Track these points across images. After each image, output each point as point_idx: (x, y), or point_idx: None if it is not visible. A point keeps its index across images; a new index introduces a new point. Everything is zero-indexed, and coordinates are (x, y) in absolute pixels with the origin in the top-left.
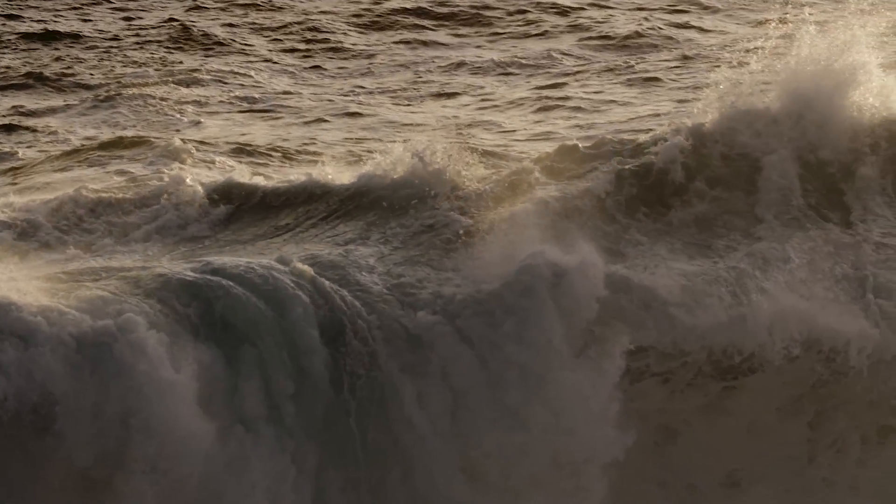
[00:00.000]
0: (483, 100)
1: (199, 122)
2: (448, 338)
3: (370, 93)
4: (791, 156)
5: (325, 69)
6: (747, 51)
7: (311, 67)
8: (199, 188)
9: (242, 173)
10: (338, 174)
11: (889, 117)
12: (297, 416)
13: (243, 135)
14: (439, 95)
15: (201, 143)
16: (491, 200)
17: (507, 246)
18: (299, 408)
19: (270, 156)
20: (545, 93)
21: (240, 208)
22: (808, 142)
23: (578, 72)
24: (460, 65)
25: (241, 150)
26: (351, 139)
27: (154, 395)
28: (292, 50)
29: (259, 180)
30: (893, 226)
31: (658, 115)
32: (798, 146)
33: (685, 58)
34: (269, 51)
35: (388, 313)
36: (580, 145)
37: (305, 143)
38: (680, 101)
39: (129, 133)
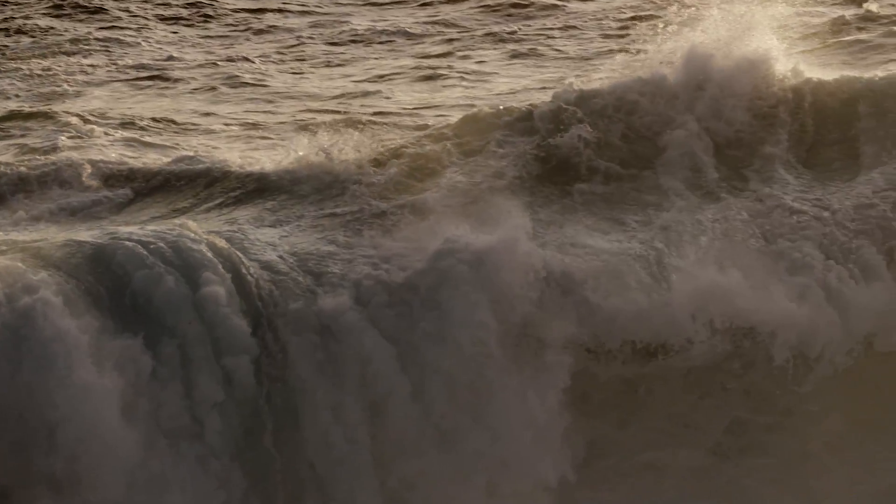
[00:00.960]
0: (370, 70)
1: (86, 94)
2: (364, 335)
3: (255, 61)
4: (695, 127)
5: (210, 36)
6: (642, 20)
7: (195, 34)
8: (95, 168)
9: (140, 152)
10: (241, 159)
11: (790, 88)
12: (220, 430)
13: (132, 108)
14: (328, 65)
15: (91, 116)
16: (400, 183)
17: (421, 231)
18: (222, 418)
19: (164, 131)
20: (434, 62)
21: (138, 190)
22: (710, 114)
23: (466, 39)
24: (344, 32)
25: (133, 125)
26: (243, 111)
27: (72, 398)
28: (176, 18)
29: (158, 160)
30: (801, 193)
31: (546, 87)
32: (701, 118)
33: (569, 27)
34: (152, 17)
35: (301, 308)
36: (483, 112)
37: (198, 117)
38: (572, 71)
39: (13, 106)
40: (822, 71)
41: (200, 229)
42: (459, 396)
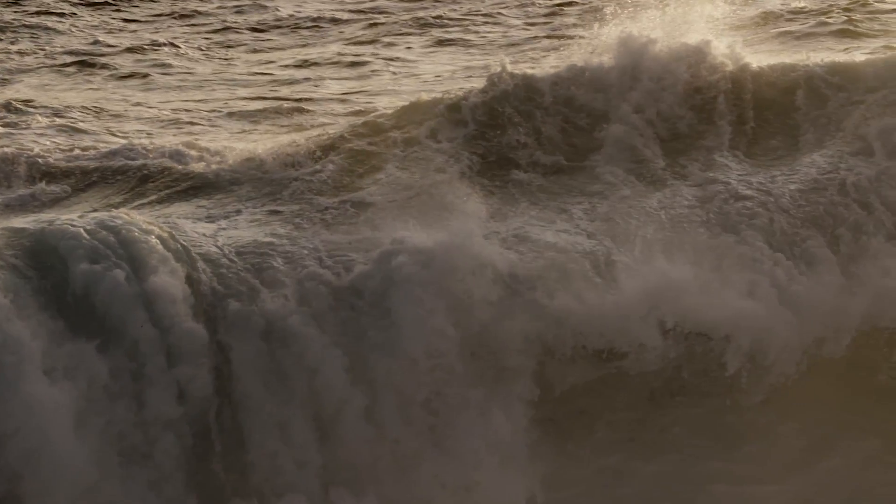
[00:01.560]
0: (296, 55)
1: (14, 81)
2: (311, 342)
3: (181, 46)
4: (632, 116)
5: (137, 20)
6: (569, 6)
7: (121, 19)
8: (26, 161)
9: (72, 142)
10: (176, 152)
11: (729, 75)
12: (172, 450)
13: (61, 95)
14: (254, 51)
15: (21, 104)
16: (341, 177)
17: (368, 229)
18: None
19: (96, 120)
20: (360, 49)
21: (72, 185)
22: (648, 101)
23: (391, 25)
24: (268, 18)
25: (64, 114)
26: (173, 99)
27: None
28: (104, 3)
29: (90, 153)
30: (745, 180)
31: (474, 74)
32: (638, 106)
33: (494, 13)
34: (78, 2)
35: (245, 311)
36: (420, 101)
37: (128, 105)
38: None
39: None
40: (760, 58)
41: (147, 219)
42: (416, 416)
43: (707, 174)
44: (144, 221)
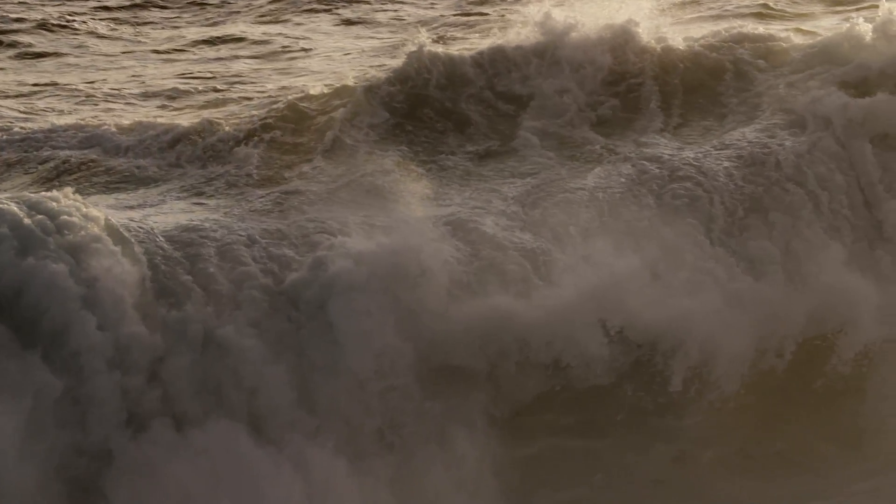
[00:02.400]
0: (204, 33)
1: None
2: (249, 355)
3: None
4: (559, 96)
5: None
6: None
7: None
8: None
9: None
10: (90, 137)
11: (655, 53)
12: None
13: None
14: (162, 28)
15: None
16: (268, 167)
17: (303, 228)
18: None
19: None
20: (268, 28)
21: None
22: (575, 81)
23: (297, 2)
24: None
25: None
26: (81, 79)
27: None
28: None
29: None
30: (678, 159)
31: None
32: (564, 86)
33: None
34: None
35: (174, 317)
36: (344, 85)
37: (38, 87)
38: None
39: None
40: (684, 38)
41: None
42: (365, 444)
43: (640, 153)
44: (87, 204)
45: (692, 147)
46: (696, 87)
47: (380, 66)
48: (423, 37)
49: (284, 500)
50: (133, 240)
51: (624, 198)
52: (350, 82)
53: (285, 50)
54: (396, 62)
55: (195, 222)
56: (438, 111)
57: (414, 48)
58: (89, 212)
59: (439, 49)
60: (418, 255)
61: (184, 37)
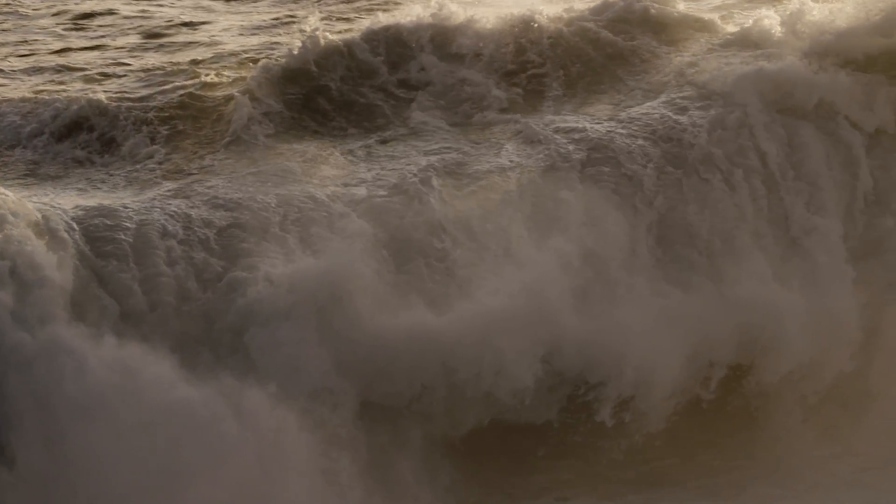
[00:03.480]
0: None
1: None
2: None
3: None
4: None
5: None
6: None
7: None
8: None
9: None
10: None
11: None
12: None
13: None
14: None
15: None
16: (169, 164)
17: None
18: None
19: None
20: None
21: None
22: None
23: None
24: None
25: None
26: None
27: None
28: None
29: None
30: (591, 136)
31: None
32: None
33: None
34: None
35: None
36: (238, 68)
37: None
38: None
39: None
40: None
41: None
42: None
43: (549, 133)
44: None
45: (603, 125)
46: (599, 70)
47: (271, 45)
48: (315, 21)
49: None
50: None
51: (541, 183)
52: (246, 69)
53: (169, 26)
54: (292, 47)
55: (100, 222)
56: (337, 98)
57: (308, 34)
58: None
59: (335, 36)
60: (344, 276)
61: (67, 10)
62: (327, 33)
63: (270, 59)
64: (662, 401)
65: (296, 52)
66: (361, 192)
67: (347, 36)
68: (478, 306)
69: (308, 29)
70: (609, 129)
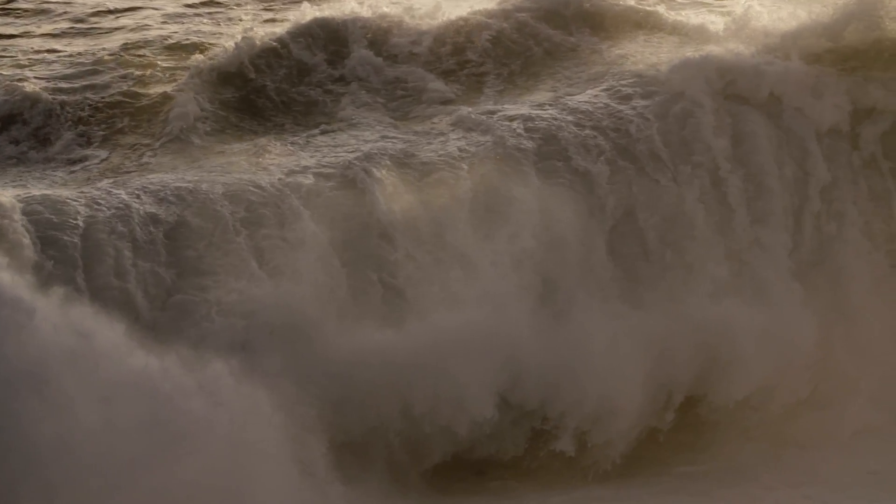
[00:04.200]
0: None
1: None
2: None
3: None
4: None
5: None
6: None
7: None
8: None
9: None
10: None
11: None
12: None
13: None
14: None
15: None
16: (109, 167)
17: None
18: None
19: None
20: None
21: None
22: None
23: None
24: None
25: None
26: None
27: None
28: None
29: None
30: (537, 124)
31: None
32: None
33: None
34: None
35: None
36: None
37: None
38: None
39: None
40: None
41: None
42: None
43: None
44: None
45: (547, 112)
46: (538, 63)
47: (200, 33)
48: (249, 20)
49: None
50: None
51: (492, 178)
52: (179, 59)
53: (95, 13)
54: (226, 46)
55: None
56: (274, 96)
57: (242, 32)
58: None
59: (268, 32)
60: (299, 305)
61: None
62: (261, 31)
63: (206, 56)
64: (626, 429)
65: (230, 52)
66: (308, 181)
67: (282, 32)
68: (434, 334)
69: (241, 28)
70: (554, 116)
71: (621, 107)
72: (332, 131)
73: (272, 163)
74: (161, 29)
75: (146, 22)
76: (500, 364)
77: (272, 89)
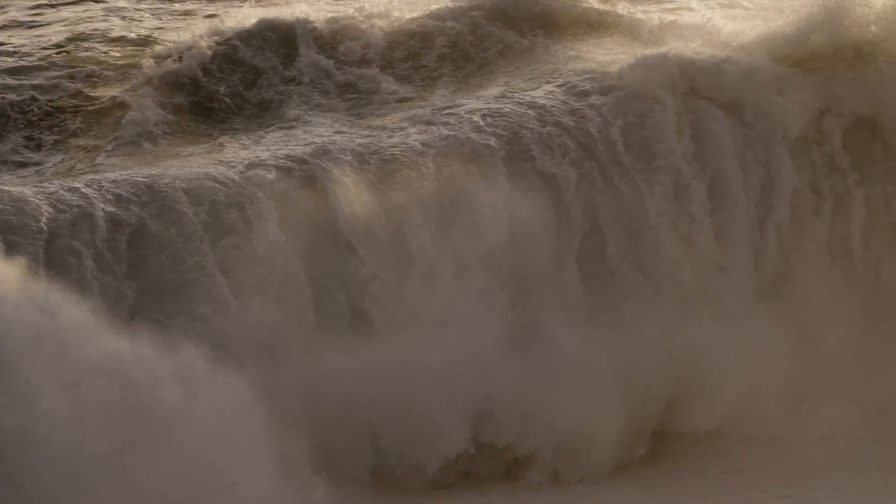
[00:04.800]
0: None
1: None
2: None
3: None
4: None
5: None
6: None
7: None
8: None
9: None
10: None
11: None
12: None
13: None
14: None
15: None
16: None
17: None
18: None
19: None
20: None
21: None
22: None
23: None
24: None
25: None
26: None
27: None
28: None
29: None
30: (497, 121)
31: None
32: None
33: None
34: None
35: None
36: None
37: None
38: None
39: None
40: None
41: None
42: None
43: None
44: None
45: (506, 107)
46: (492, 62)
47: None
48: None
49: None
50: None
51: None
52: (128, 58)
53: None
54: (178, 52)
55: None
56: (227, 99)
57: (193, 38)
58: None
59: (215, 30)
60: (270, 333)
61: None
62: (210, 34)
63: (156, 59)
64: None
65: (181, 56)
66: (270, 177)
67: (231, 35)
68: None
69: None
70: (515, 111)
71: (578, 104)
72: (291, 128)
73: (230, 157)
74: (106, 22)
75: (88, 15)
76: (472, 398)
77: (225, 93)
